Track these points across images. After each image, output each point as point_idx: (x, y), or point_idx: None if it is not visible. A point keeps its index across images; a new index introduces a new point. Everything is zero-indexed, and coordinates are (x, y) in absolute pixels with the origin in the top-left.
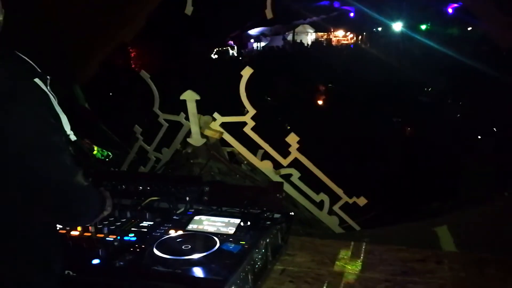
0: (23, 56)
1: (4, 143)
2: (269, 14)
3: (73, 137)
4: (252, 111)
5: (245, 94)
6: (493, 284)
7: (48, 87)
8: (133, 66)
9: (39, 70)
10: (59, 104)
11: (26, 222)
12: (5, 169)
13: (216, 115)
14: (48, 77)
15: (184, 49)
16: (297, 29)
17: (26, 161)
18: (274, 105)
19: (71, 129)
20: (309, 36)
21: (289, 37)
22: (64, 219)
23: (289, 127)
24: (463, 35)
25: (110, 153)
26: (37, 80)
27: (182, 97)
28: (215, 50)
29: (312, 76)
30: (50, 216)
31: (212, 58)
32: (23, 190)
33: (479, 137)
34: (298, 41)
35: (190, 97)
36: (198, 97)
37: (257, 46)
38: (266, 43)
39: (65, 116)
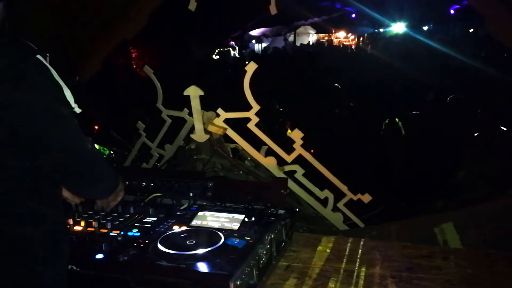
0: (24, 40)
1: (15, 119)
2: (273, 9)
3: (77, 110)
4: (256, 107)
5: (249, 89)
6: (501, 280)
7: (48, 64)
8: (133, 63)
9: (36, 48)
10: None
11: (35, 200)
12: (17, 143)
13: (219, 111)
14: (47, 54)
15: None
16: (298, 30)
17: (36, 133)
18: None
19: (75, 102)
20: (310, 37)
21: (291, 38)
22: (80, 186)
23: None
24: (465, 36)
25: (112, 152)
26: (39, 56)
27: (185, 93)
28: (216, 51)
29: (316, 75)
30: (66, 184)
31: (213, 59)
32: (35, 163)
33: (484, 135)
34: (299, 42)
35: (193, 92)
36: (201, 93)
37: (259, 47)
38: (267, 43)
39: (68, 89)
